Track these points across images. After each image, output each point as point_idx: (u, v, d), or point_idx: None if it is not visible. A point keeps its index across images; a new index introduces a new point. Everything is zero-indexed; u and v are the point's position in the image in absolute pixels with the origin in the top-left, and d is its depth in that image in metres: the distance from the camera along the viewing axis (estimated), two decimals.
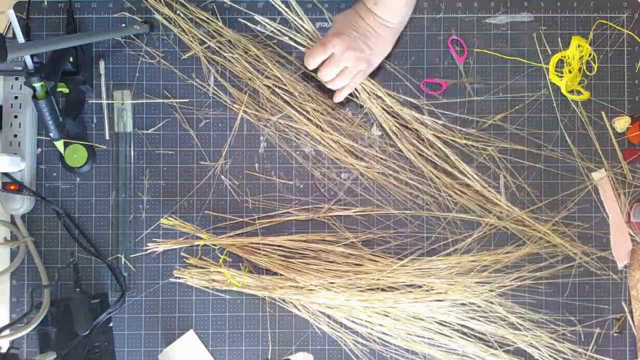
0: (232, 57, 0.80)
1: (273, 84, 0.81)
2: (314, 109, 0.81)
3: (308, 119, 0.81)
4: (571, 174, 0.82)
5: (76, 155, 0.80)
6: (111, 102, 0.81)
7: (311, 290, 0.77)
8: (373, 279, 0.77)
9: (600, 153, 0.82)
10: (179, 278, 0.80)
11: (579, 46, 0.82)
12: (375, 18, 0.71)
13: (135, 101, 0.82)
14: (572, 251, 0.81)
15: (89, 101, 0.82)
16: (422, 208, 0.82)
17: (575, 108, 0.82)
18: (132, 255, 0.81)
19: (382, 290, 0.79)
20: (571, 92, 0.82)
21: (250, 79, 0.81)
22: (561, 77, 0.82)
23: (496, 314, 0.79)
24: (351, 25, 0.72)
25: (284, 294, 0.77)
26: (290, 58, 0.82)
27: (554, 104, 0.83)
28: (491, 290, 0.79)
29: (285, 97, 0.81)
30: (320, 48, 0.71)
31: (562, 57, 0.82)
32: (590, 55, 0.83)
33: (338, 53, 0.71)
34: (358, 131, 0.82)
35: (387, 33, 0.72)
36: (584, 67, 0.83)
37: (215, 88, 0.82)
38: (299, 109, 0.81)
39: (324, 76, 0.73)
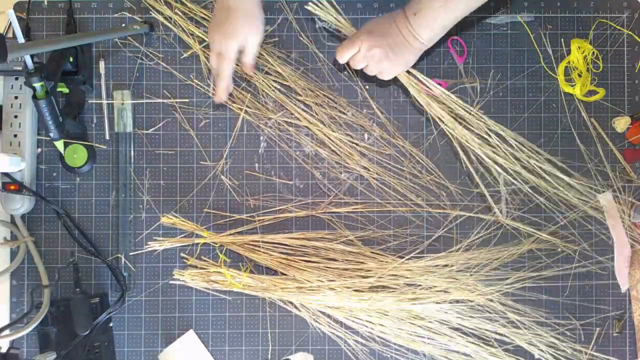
0: None
1: (274, 80, 0.81)
2: (316, 104, 0.81)
3: (309, 115, 0.81)
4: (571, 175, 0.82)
5: (76, 155, 0.80)
6: (110, 101, 0.81)
7: (312, 289, 0.77)
8: (373, 277, 0.77)
9: (602, 154, 0.82)
10: (179, 280, 0.79)
11: (579, 48, 0.82)
12: (409, 28, 0.71)
13: (135, 101, 0.82)
14: (570, 248, 0.81)
15: (89, 101, 0.82)
16: (422, 207, 0.82)
17: (582, 110, 0.83)
18: (132, 254, 0.81)
19: (383, 287, 0.78)
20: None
21: (250, 76, 0.81)
22: (573, 85, 0.82)
23: (496, 312, 0.79)
24: (383, 28, 0.73)
25: (284, 295, 0.77)
26: (292, 55, 0.82)
27: (554, 104, 0.83)
28: (498, 291, 0.79)
29: (286, 92, 0.81)
30: (349, 43, 0.74)
31: (567, 63, 0.82)
32: (593, 54, 0.83)
33: (364, 49, 0.73)
34: (360, 122, 0.81)
35: (415, 45, 0.73)
36: (591, 67, 0.83)
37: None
38: (301, 105, 0.81)
39: (354, 66, 0.77)
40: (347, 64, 0.77)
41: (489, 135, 0.78)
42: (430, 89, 0.79)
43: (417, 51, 0.74)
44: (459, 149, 0.79)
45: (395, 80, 0.78)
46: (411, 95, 0.79)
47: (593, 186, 0.81)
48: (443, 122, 0.79)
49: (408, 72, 0.78)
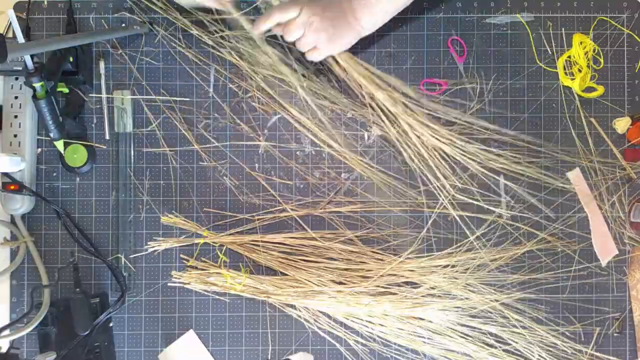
0: (235, 51, 0.81)
1: (271, 75, 0.81)
2: (320, 105, 0.81)
3: (310, 115, 0.81)
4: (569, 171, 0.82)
5: (76, 155, 0.80)
6: (110, 96, 0.81)
7: (312, 293, 0.77)
8: (374, 277, 0.77)
9: (594, 150, 0.82)
10: (178, 280, 0.79)
11: (581, 43, 0.82)
12: (352, 7, 0.69)
13: (134, 97, 0.81)
14: (570, 248, 0.81)
15: (90, 95, 0.82)
16: (421, 206, 0.82)
17: (580, 110, 0.83)
18: (133, 256, 0.81)
19: (384, 288, 0.78)
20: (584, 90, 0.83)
21: (253, 72, 0.81)
22: (573, 78, 0.82)
23: (496, 311, 0.79)
24: (328, 1, 0.70)
25: (285, 299, 0.77)
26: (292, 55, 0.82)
27: (554, 104, 0.83)
28: (502, 294, 0.79)
29: (286, 90, 0.81)
30: (289, 4, 0.70)
31: (568, 57, 0.82)
32: (595, 50, 0.83)
33: (304, 14, 0.69)
34: (360, 111, 0.81)
35: (355, 26, 0.71)
36: (591, 63, 0.83)
37: (217, 88, 0.82)
38: (301, 104, 0.81)
39: (285, 36, 0.72)
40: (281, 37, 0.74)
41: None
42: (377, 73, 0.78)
43: (356, 34, 0.72)
44: (399, 137, 0.78)
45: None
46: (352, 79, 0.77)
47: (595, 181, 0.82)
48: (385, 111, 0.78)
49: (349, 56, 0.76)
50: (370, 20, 0.70)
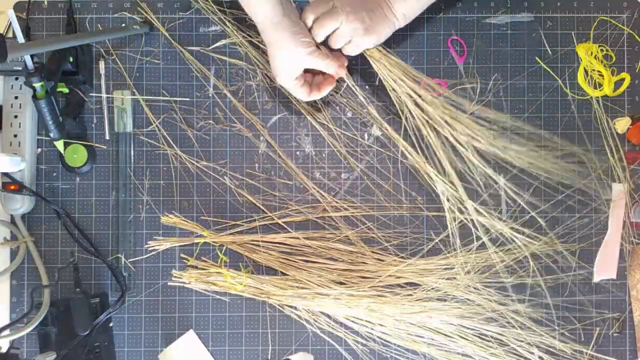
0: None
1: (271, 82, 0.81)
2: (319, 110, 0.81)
3: (309, 114, 0.81)
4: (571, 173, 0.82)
5: (76, 155, 0.80)
6: (110, 96, 0.81)
7: (313, 295, 0.77)
8: (376, 279, 0.78)
9: (612, 147, 0.82)
10: (178, 279, 0.79)
11: (586, 51, 0.82)
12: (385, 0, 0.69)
13: (134, 97, 0.82)
14: (570, 250, 0.81)
15: (91, 95, 0.82)
16: (421, 209, 0.82)
17: (600, 110, 0.83)
18: (132, 260, 0.81)
19: (384, 287, 0.79)
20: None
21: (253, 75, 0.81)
22: (601, 88, 0.82)
23: (496, 312, 0.79)
24: None
25: (285, 299, 0.77)
26: None
27: (554, 104, 0.83)
28: (500, 295, 0.79)
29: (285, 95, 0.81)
30: (329, 17, 0.68)
31: (584, 69, 0.82)
32: (603, 50, 0.83)
33: (340, 5, 0.68)
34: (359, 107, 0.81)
35: (390, 18, 0.70)
36: (605, 62, 0.83)
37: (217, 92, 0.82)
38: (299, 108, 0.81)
39: (318, 30, 0.69)
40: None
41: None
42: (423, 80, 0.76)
43: (392, 25, 0.71)
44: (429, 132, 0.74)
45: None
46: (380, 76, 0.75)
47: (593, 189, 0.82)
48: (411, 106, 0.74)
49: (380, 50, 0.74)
50: (405, 10, 0.69)
